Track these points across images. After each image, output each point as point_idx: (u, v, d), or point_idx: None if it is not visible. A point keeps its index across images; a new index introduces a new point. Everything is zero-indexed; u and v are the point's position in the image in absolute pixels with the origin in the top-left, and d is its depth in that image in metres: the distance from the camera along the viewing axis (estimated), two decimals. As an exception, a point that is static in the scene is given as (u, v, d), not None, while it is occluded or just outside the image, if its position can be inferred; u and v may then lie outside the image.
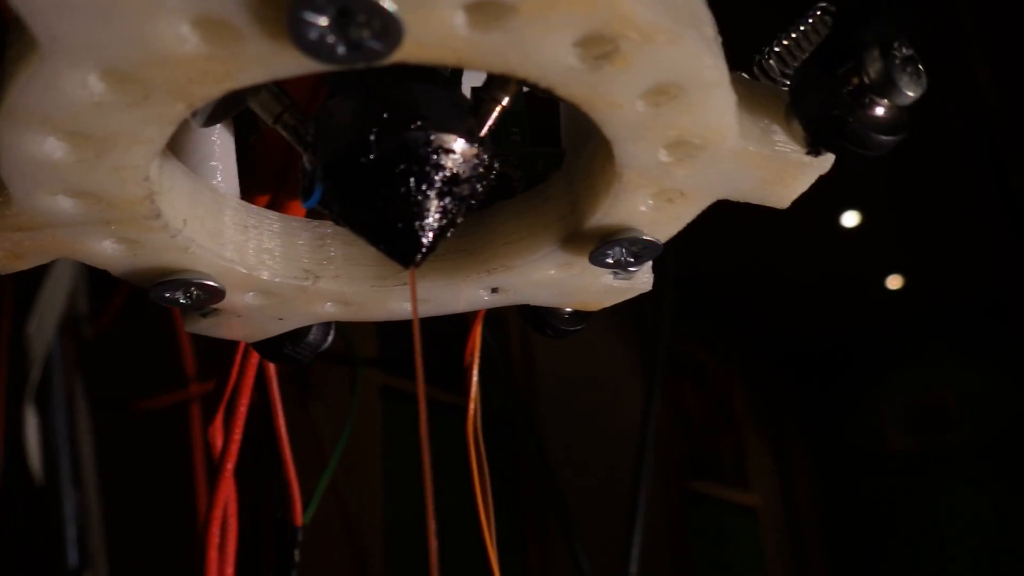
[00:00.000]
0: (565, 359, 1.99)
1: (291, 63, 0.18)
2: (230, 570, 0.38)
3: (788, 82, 0.25)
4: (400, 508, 1.40)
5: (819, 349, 3.23)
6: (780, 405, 3.12)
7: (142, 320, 0.77)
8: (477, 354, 0.37)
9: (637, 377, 2.17)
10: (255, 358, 0.37)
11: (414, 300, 0.24)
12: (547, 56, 0.18)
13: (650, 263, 0.29)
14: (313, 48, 0.17)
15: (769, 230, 2.40)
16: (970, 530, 2.84)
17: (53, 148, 0.20)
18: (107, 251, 0.24)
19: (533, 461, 1.63)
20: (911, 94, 0.21)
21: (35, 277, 0.70)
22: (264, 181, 0.31)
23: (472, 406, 0.36)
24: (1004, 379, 2.87)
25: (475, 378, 0.37)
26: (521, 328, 1.85)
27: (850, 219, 2.52)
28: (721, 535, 2.60)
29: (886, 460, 3.07)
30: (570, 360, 2.02)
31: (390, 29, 0.17)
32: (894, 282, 2.90)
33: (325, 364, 1.10)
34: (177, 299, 0.26)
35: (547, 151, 0.29)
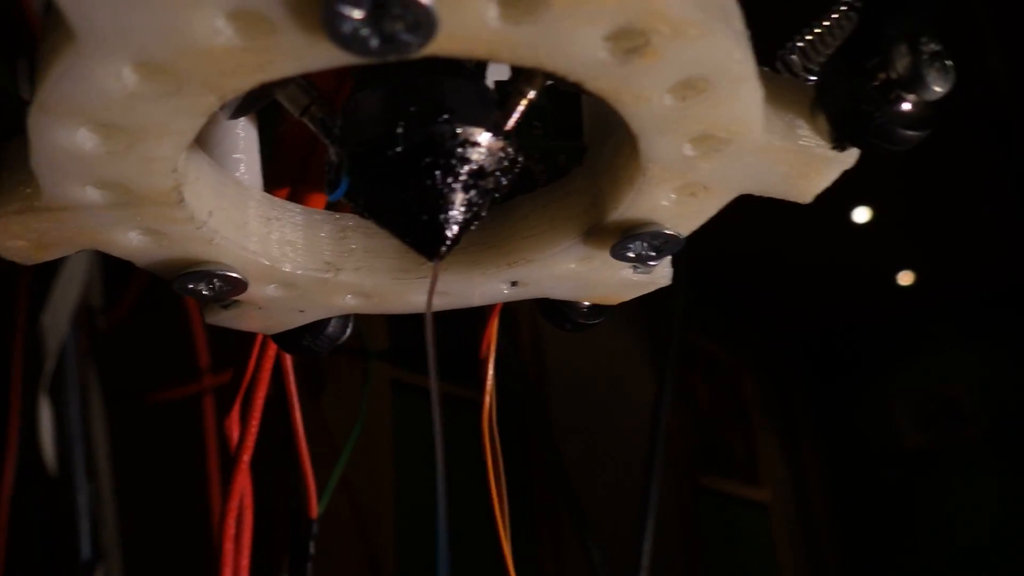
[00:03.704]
0: (576, 353, 1.99)
1: (323, 56, 0.18)
2: (245, 561, 0.38)
3: (810, 78, 0.25)
4: (411, 501, 1.40)
5: (830, 344, 3.23)
6: (791, 400, 3.12)
7: (156, 312, 0.78)
8: (493, 346, 0.37)
9: (648, 370, 2.17)
10: (272, 350, 0.37)
11: (431, 293, 0.24)
12: (578, 50, 0.18)
13: (670, 257, 0.29)
14: (347, 41, 0.17)
15: (781, 225, 2.39)
16: (982, 524, 2.83)
17: (84, 139, 0.20)
18: (132, 242, 0.24)
19: (545, 455, 1.64)
20: (939, 89, 0.21)
21: (50, 269, 0.70)
22: (285, 175, 0.31)
23: (487, 398, 0.36)
24: (1016, 374, 2.86)
25: (491, 370, 0.37)
26: (532, 323, 1.85)
27: (861, 215, 2.51)
28: (732, 530, 2.59)
29: (897, 454, 3.07)
30: (581, 354, 2.02)
31: (424, 22, 0.17)
32: (905, 278, 2.89)
33: (336, 356, 1.10)
34: (200, 290, 0.26)
35: (569, 145, 0.29)
